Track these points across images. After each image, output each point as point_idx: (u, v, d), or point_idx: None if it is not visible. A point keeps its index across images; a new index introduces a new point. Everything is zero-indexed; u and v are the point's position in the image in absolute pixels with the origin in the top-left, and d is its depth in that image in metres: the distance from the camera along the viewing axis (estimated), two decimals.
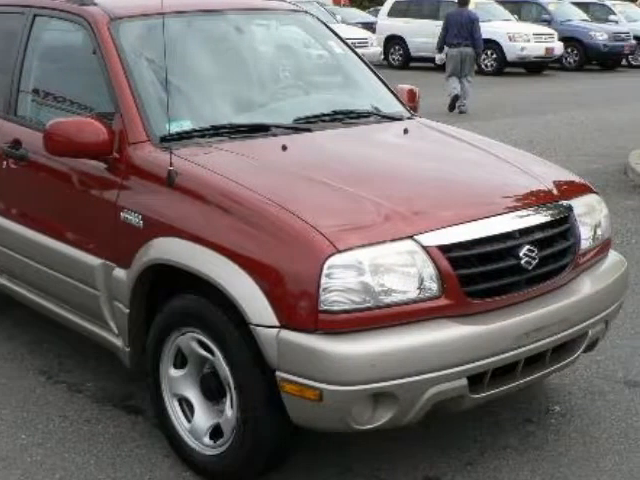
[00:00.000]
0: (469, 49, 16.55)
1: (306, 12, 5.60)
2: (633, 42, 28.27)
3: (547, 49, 25.65)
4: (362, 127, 4.77)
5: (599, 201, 4.39)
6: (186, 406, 4.01)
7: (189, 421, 3.99)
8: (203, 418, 3.94)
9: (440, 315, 3.52)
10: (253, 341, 3.48)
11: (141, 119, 4.19)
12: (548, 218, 3.95)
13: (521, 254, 3.71)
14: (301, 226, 3.48)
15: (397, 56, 27.72)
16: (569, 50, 27.21)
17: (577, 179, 4.53)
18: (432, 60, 21.18)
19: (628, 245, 7.55)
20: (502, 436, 4.34)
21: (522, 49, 25.12)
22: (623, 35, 28.04)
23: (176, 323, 3.90)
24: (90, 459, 4.13)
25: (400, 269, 3.46)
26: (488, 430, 4.39)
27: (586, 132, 14.28)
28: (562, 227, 3.99)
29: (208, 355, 3.80)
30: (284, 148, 4.25)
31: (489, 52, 24.75)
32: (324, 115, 4.73)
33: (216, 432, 3.88)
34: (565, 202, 4.10)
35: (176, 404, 4.03)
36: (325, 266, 3.34)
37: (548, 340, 3.80)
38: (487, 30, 20.71)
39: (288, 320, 3.39)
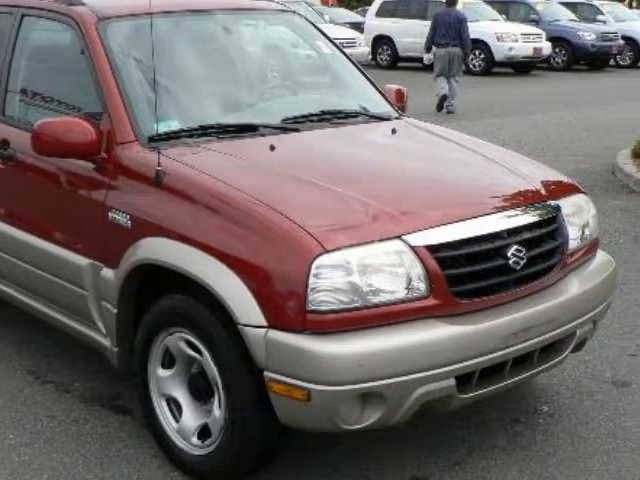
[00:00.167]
0: (457, 49, 16.55)
1: (294, 12, 5.60)
2: (621, 42, 28.29)
3: (535, 49, 25.67)
4: (350, 127, 4.77)
5: (587, 201, 4.41)
6: (174, 406, 4.01)
7: (177, 421, 3.99)
8: (191, 418, 3.93)
9: (428, 315, 3.52)
10: (241, 341, 3.48)
11: (129, 119, 4.19)
12: (536, 218, 3.95)
13: (509, 254, 3.72)
14: (289, 226, 3.48)
15: (385, 56, 27.69)
16: (557, 50, 27.23)
17: (565, 179, 4.54)
18: (420, 60, 21.25)
19: (616, 245, 7.56)
20: (490, 436, 4.35)
21: (510, 49, 25.14)
22: (611, 35, 28.06)
23: (164, 323, 3.89)
24: (78, 459, 4.13)
25: (388, 269, 3.46)
26: (476, 430, 4.40)
27: (574, 132, 14.30)
28: (550, 227, 4.00)
29: (196, 355, 3.79)
30: (272, 148, 4.25)
31: (477, 52, 24.76)
32: (312, 115, 4.73)
33: (204, 432, 3.88)
34: (553, 202, 4.11)
35: (164, 404, 4.03)
36: (313, 266, 3.34)
37: (536, 340, 3.80)
38: (475, 30, 20.67)
39: (276, 320, 3.39)
